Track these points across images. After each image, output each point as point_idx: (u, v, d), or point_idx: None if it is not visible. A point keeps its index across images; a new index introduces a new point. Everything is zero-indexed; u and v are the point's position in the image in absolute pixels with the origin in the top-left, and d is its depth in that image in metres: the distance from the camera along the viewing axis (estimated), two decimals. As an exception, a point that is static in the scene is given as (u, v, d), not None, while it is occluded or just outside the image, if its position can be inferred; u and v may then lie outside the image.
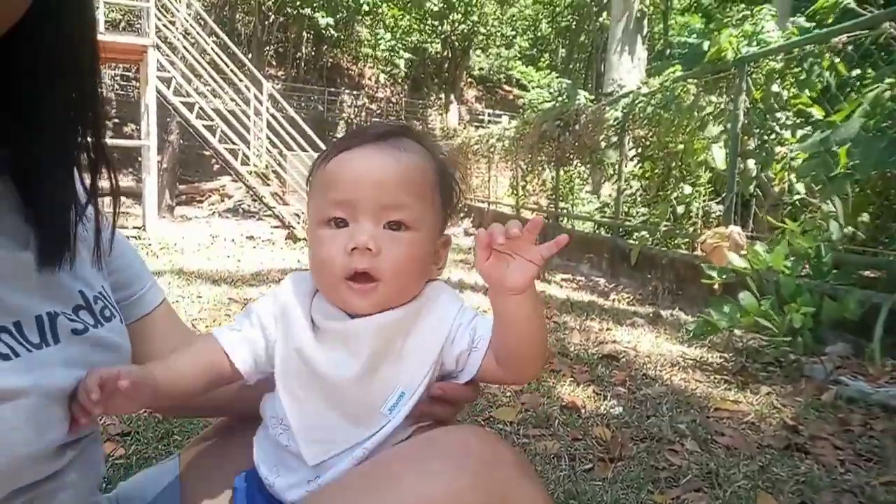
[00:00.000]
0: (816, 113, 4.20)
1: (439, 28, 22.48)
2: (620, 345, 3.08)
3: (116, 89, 16.36)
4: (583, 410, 2.12)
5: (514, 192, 9.78)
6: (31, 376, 0.58)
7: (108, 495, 0.84)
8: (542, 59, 25.28)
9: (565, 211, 8.09)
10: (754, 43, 4.80)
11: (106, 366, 0.65)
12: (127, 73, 15.60)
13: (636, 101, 6.14)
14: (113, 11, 14.61)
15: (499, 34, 23.45)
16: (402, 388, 0.73)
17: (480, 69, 26.56)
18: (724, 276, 3.07)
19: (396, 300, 0.75)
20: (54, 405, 0.60)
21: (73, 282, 0.69)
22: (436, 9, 19.81)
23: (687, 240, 5.30)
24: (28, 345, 0.60)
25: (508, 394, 2.25)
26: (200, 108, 9.44)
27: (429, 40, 23.44)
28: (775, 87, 4.45)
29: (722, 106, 4.88)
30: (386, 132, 0.77)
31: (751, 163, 4.68)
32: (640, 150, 6.43)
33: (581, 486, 1.57)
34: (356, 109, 25.85)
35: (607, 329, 3.46)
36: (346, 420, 0.74)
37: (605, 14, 16.90)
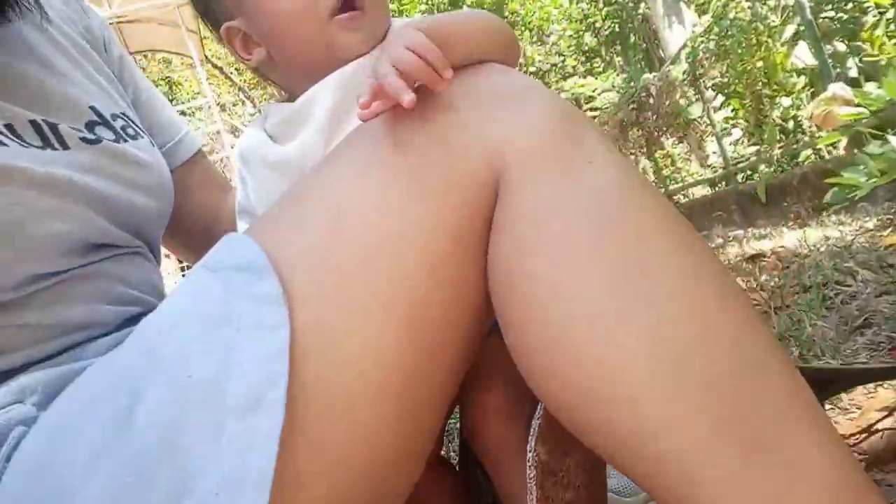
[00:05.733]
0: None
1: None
2: (763, 249, 2.80)
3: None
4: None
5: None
6: (34, 164, 0.49)
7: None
8: (597, 68, 24.77)
9: (675, 185, 7.70)
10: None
11: (133, 181, 0.57)
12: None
13: (697, 45, 5.89)
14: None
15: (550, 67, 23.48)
16: None
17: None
18: (843, 132, 2.76)
19: (380, 35, 0.65)
20: (68, 200, 0.51)
21: (82, 95, 0.60)
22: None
23: (809, 150, 4.85)
24: (25, 143, 0.51)
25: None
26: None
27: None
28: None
29: (783, 1, 4.57)
30: None
31: (839, 45, 4.29)
32: (722, 91, 6.10)
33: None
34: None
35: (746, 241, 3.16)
36: None
37: (642, 5, 16.65)
